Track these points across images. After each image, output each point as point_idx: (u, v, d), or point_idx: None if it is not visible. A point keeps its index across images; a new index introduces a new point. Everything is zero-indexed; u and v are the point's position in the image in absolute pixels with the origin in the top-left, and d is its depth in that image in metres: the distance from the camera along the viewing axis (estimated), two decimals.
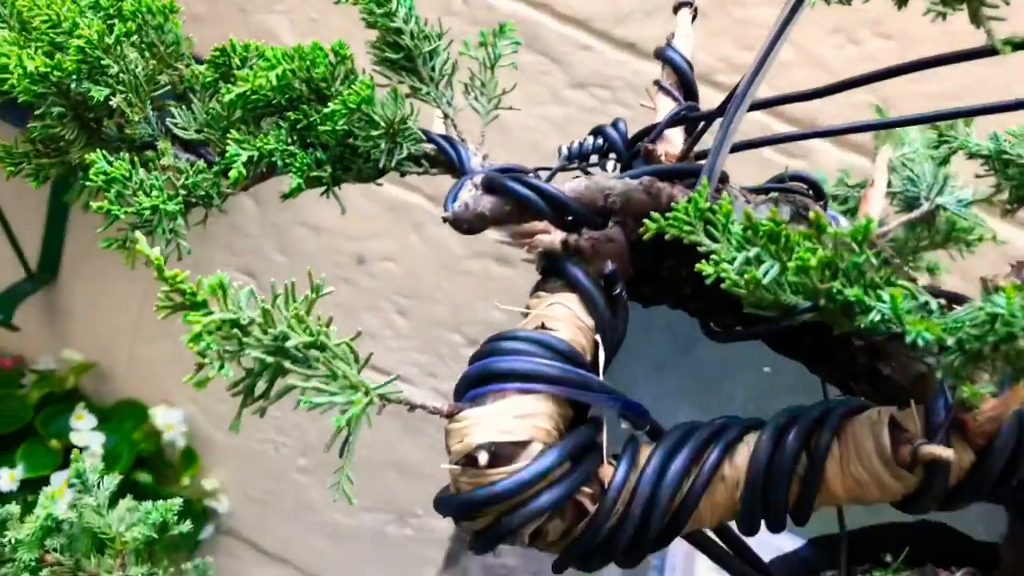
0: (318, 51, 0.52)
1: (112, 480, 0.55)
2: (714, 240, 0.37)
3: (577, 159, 0.53)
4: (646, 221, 0.40)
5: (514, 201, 0.45)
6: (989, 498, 0.47)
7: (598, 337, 0.44)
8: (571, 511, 0.40)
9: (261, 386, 0.35)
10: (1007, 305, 0.31)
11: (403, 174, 0.57)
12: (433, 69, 0.59)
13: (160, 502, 0.51)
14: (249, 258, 1.54)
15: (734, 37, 1.25)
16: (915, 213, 0.58)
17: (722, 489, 0.40)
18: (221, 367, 0.33)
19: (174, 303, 0.33)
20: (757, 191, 0.51)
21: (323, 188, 0.55)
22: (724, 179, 0.50)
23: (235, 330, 0.32)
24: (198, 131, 0.54)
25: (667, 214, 0.39)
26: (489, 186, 0.46)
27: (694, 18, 0.57)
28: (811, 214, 0.35)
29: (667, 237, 0.39)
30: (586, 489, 0.40)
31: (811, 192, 0.53)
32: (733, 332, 0.49)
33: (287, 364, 0.33)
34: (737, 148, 0.48)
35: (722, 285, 0.36)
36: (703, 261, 0.36)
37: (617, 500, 0.39)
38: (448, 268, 1.47)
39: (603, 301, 0.44)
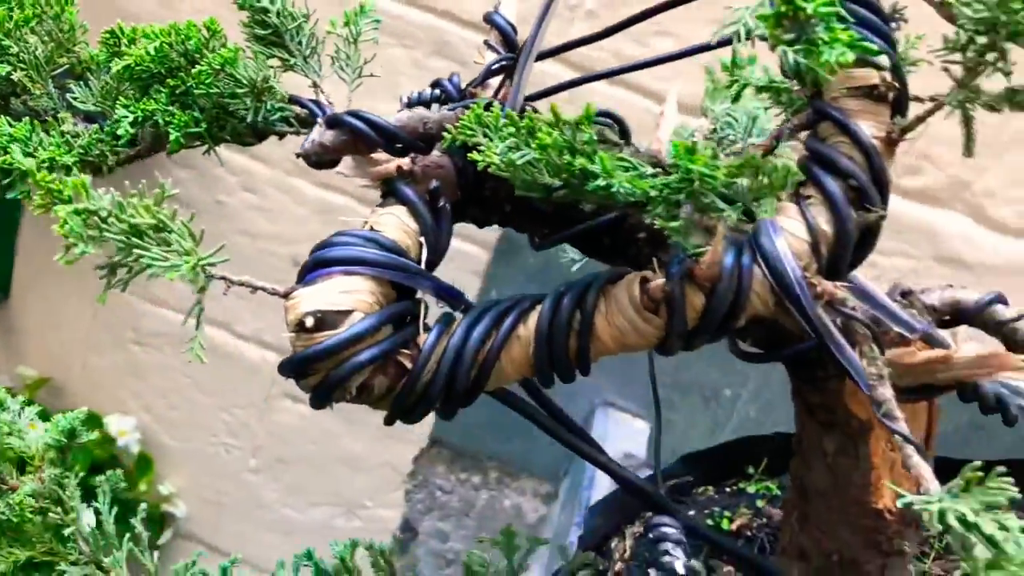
0: (192, 27, 0.62)
1: (33, 409, 0.63)
2: (489, 139, 0.47)
3: (418, 105, 0.62)
4: (447, 128, 0.49)
5: (349, 132, 0.54)
6: (780, 359, 0.56)
7: (422, 239, 0.53)
8: (393, 369, 0.48)
9: (122, 270, 0.43)
10: (700, 167, 0.41)
11: (280, 135, 0.66)
12: (300, 44, 0.68)
13: (67, 414, 0.59)
14: None
15: (625, 33, 1.36)
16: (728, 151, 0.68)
17: (518, 347, 0.49)
18: (86, 247, 0.41)
19: (46, 202, 0.42)
20: None
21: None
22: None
23: (95, 218, 0.41)
24: (95, 104, 0.63)
25: (457, 124, 0.48)
26: (331, 122, 0.56)
27: None
28: (554, 107, 0.44)
29: (457, 143, 0.48)
30: (406, 351, 0.49)
31: (616, 126, 0.62)
32: (549, 239, 0.58)
33: (137, 242, 0.42)
34: (535, 97, 0.59)
35: (490, 170, 0.45)
36: (474, 152, 0.45)
37: (429, 359, 0.48)
38: None
39: (427, 211, 0.53)
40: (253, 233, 1.58)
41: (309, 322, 0.46)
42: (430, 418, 0.50)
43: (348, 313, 0.47)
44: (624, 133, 0.62)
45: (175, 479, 1.74)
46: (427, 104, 0.63)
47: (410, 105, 0.62)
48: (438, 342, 0.49)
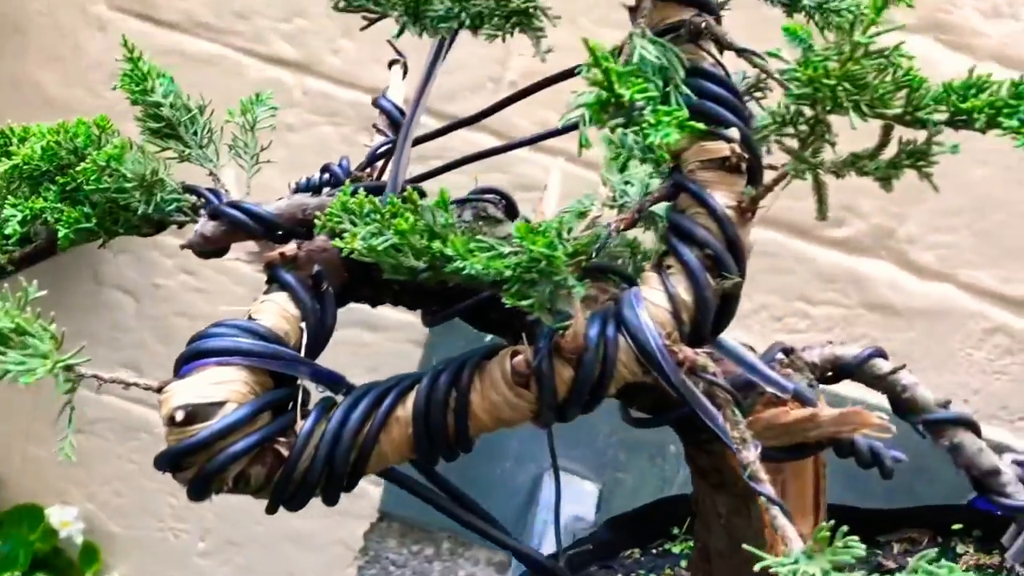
0: (81, 124, 0.63)
1: None
2: (355, 225, 0.48)
3: (307, 191, 0.63)
4: (316, 216, 0.50)
5: (230, 223, 0.55)
6: (667, 423, 0.57)
7: (303, 324, 0.53)
8: (270, 458, 0.49)
9: None
10: (540, 247, 0.42)
11: (180, 225, 0.67)
12: (195, 134, 0.69)
13: None
14: (132, 352, 1.61)
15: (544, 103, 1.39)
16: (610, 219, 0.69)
17: (397, 428, 0.50)
18: None
19: None
20: (452, 202, 0.62)
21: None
22: (421, 195, 0.60)
23: None
24: None
25: (325, 211, 0.49)
26: (213, 214, 0.56)
27: (405, 73, 0.68)
28: (410, 192, 0.46)
29: (326, 231, 0.49)
30: (283, 439, 0.49)
31: (503, 201, 0.64)
32: (439, 315, 0.59)
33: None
34: (421, 178, 0.60)
35: (353, 256, 0.46)
36: (337, 238, 0.46)
37: (307, 445, 0.49)
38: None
39: (308, 296, 0.54)
40: (192, 315, 1.57)
41: (179, 416, 0.46)
42: (378, 492, 0.50)
43: (221, 404, 0.47)
44: (511, 208, 0.63)
45: (123, 568, 1.70)
46: (317, 189, 0.64)
47: (299, 191, 0.64)
48: (315, 427, 0.49)
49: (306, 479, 0.49)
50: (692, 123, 0.40)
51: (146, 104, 0.67)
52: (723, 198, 0.49)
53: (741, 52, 0.48)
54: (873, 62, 0.42)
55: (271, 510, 0.50)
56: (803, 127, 0.43)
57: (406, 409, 0.50)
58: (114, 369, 1.74)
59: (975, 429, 0.56)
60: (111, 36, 1.46)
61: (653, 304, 0.48)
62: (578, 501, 1.48)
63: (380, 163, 0.64)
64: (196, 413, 0.47)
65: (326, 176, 0.64)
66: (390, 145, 0.63)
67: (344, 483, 0.49)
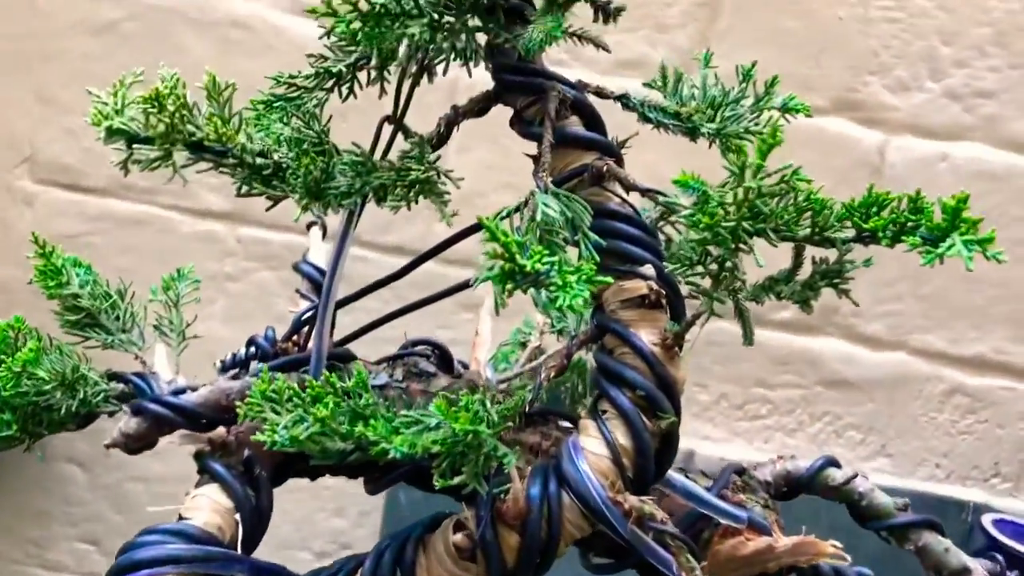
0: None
1: None
2: (277, 413, 0.46)
3: (233, 368, 0.62)
4: (237, 406, 0.48)
5: (152, 418, 0.54)
6: (628, 567, 0.55)
7: (238, 516, 0.51)
8: None
9: None
10: (464, 425, 0.41)
11: (110, 414, 0.65)
12: (118, 319, 0.67)
13: None
14: (88, 526, 1.55)
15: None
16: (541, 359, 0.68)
17: None
18: None
19: None
20: (382, 361, 0.61)
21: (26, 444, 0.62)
22: (347, 358, 0.59)
23: None
24: None
25: (251, 400, 0.48)
26: (135, 410, 0.55)
27: (324, 234, 0.68)
28: (328, 376, 0.44)
29: (248, 420, 0.48)
30: None
31: (437, 352, 0.63)
32: (380, 482, 0.58)
33: None
34: (349, 339, 0.59)
35: (275, 448, 0.44)
36: (258, 432, 0.45)
37: None
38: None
39: (240, 484, 0.52)
40: (148, 478, 1.53)
41: None
42: None
43: None
44: (446, 361, 0.62)
45: None
46: (244, 364, 0.63)
47: (224, 369, 0.62)
48: None
49: None
50: (601, 278, 0.40)
51: (63, 298, 0.65)
52: (648, 335, 0.48)
53: (645, 192, 0.49)
54: (772, 192, 0.42)
55: None
56: (712, 266, 0.42)
57: None
58: (72, 545, 1.68)
59: (938, 529, 0.55)
60: (39, 210, 1.45)
61: (593, 454, 0.47)
62: None
63: (307, 329, 0.63)
64: None
65: (252, 350, 0.63)
66: (314, 311, 0.62)
67: None
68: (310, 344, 0.62)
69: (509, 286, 0.38)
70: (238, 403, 0.48)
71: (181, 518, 0.50)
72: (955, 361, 1.43)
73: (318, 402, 0.44)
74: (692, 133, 0.55)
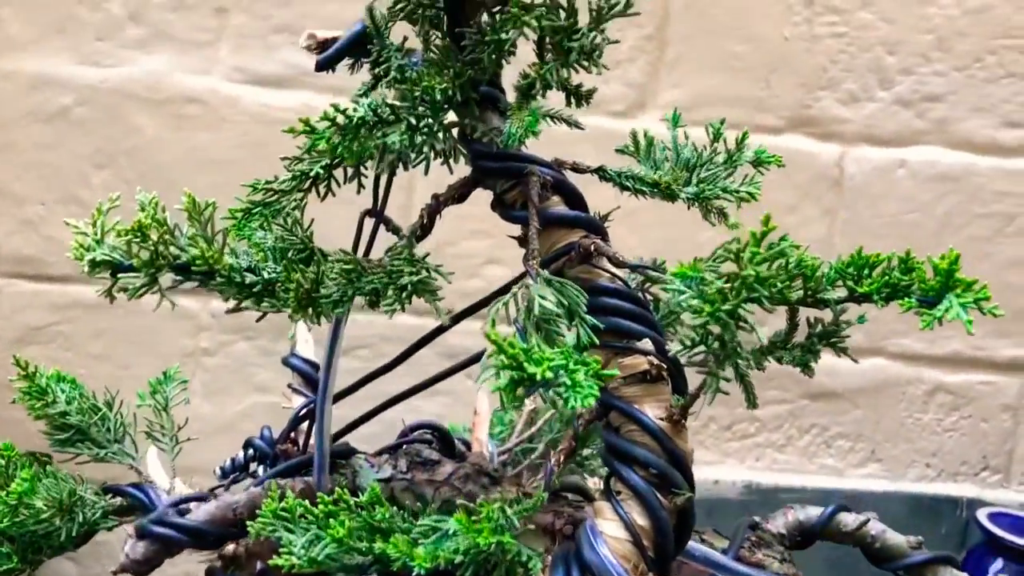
0: None
1: None
2: (291, 531, 0.46)
3: (234, 473, 0.61)
4: (249, 525, 0.48)
5: (160, 541, 0.53)
6: None
7: None
8: None
9: None
10: (488, 539, 0.41)
11: (110, 528, 0.64)
12: (108, 431, 0.66)
13: None
14: None
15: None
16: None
17: None
18: None
19: None
20: (383, 451, 0.60)
21: None
22: (348, 454, 0.59)
23: None
24: None
25: (262, 518, 0.47)
26: (140, 533, 0.54)
27: (309, 326, 0.68)
28: (340, 493, 0.44)
29: (261, 537, 0.47)
30: None
31: (436, 435, 0.62)
32: None
33: None
34: (346, 430, 0.58)
35: (293, 571, 0.44)
36: (275, 555, 0.44)
37: None
38: None
39: None
40: None
41: None
42: None
43: None
44: (447, 444, 0.62)
45: None
46: (245, 467, 0.62)
47: (225, 475, 0.61)
48: None
49: None
50: (608, 371, 0.40)
51: (50, 417, 0.64)
52: (653, 411, 0.48)
53: (635, 269, 0.49)
54: (766, 261, 0.42)
55: None
56: (715, 344, 0.43)
57: None
58: None
59: (954, 563, 0.56)
60: (4, 303, 1.43)
61: (612, 537, 0.47)
62: None
63: (305, 424, 0.62)
64: None
65: (250, 452, 0.62)
66: (311, 406, 0.61)
67: None
68: (311, 442, 0.61)
69: (518, 393, 0.38)
70: (250, 524, 0.48)
71: None
72: (933, 361, 1.45)
73: (332, 518, 0.44)
74: (671, 198, 0.55)
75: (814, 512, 0.58)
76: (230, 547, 0.54)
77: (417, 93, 0.45)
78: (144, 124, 1.38)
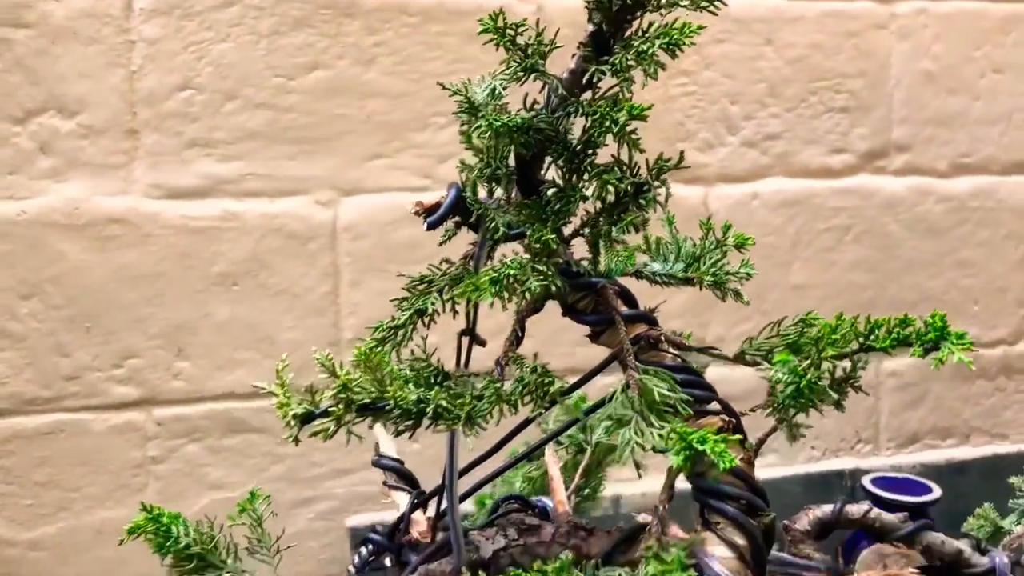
0: None
1: None
2: None
3: (363, 569, 0.71)
4: None
5: None
6: None
7: None
8: None
9: None
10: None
11: None
12: (223, 553, 0.75)
13: None
14: None
15: None
16: None
17: None
18: None
19: None
20: (485, 526, 0.72)
21: None
22: (464, 534, 0.71)
23: None
24: None
25: None
26: None
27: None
28: None
29: None
30: None
31: (521, 504, 0.75)
32: None
33: None
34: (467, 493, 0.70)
35: None
36: None
37: None
38: None
39: None
40: None
41: None
42: None
43: None
44: (536, 509, 0.75)
45: None
46: (367, 563, 0.73)
47: (359, 571, 0.72)
48: None
49: None
50: (734, 437, 0.55)
51: (177, 551, 0.72)
52: (735, 454, 0.63)
53: (700, 351, 0.64)
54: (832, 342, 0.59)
55: None
56: (791, 410, 0.59)
57: None
58: None
59: (932, 527, 0.74)
60: None
61: (722, 557, 0.61)
62: None
63: (410, 513, 0.73)
64: None
65: (368, 548, 0.72)
66: (418, 497, 0.72)
67: None
68: (418, 529, 0.72)
69: (687, 465, 0.53)
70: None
71: None
72: None
73: None
74: (696, 285, 0.71)
75: (827, 508, 0.75)
76: None
77: (534, 245, 0.59)
78: (67, 249, 1.41)
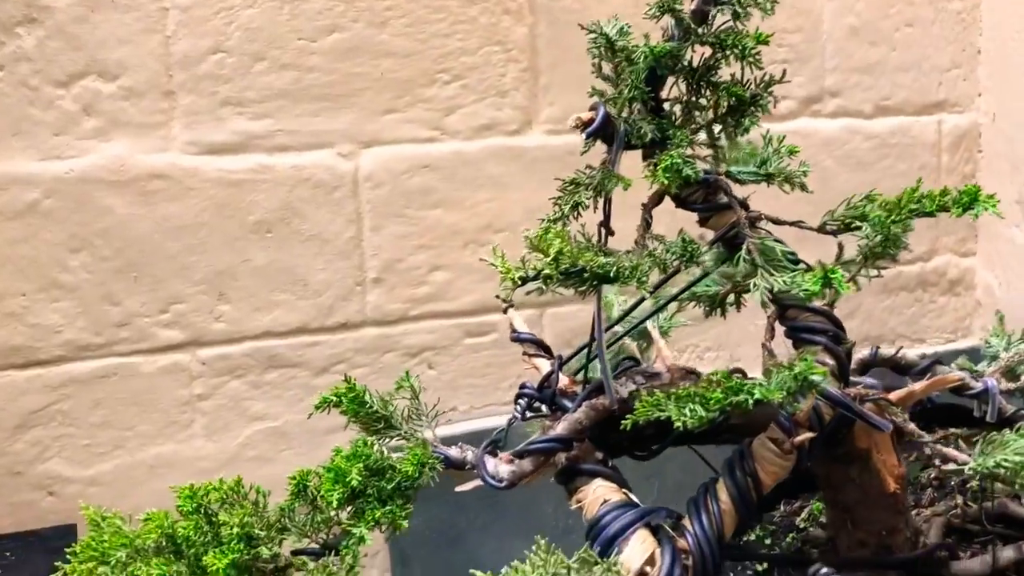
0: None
1: None
2: (662, 409, 0.77)
3: (529, 411, 0.89)
4: (636, 407, 0.77)
5: (542, 453, 0.81)
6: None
7: (626, 493, 0.81)
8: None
9: None
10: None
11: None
12: (398, 415, 0.91)
13: None
14: None
15: None
16: None
17: (728, 516, 0.79)
18: None
19: None
20: (619, 376, 0.91)
21: None
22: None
23: None
24: None
25: (644, 404, 0.77)
26: (519, 454, 0.82)
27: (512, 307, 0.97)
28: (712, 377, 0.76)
29: (641, 421, 0.78)
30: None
31: (635, 363, 0.94)
32: (653, 451, 0.89)
33: None
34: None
35: (687, 427, 0.75)
36: (679, 410, 0.75)
37: (700, 550, 0.77)
38: None
39: (609, 469, 0.82)
40: None
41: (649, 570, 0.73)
42: None
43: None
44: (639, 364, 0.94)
45: None
46: (525, 412, 0.91)
47: (524, 417, 0.89)
48: (705, 533, 0.77)
49: (707, 570, 0.77)
50: (834, 274, 0.76)
51: (367, 415, 0.89)
52: (817, 302, 0.85)
53: (792, 224, 0.85)
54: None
55: None
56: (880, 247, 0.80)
57: (725, 499, 0.80)
58: None
59: (942, 363, 0.98)
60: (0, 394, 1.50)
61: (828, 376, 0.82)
62: None
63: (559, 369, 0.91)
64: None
65: (524, 401, 0.90)
66: (559, 357, 0.91)
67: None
68: (561, 384, 0.91)
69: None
70: (629, 415, 0.78)
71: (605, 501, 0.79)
72: None
73: (702, 393, 0.76)
74: (772, 182, 0.92)
75: (865, 352, 0.97)
76: (561, 455, 0.83)
77: (678, 145, 0.78)
78: (113, 204, 1.51)
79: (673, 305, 1.04)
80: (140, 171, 1.52)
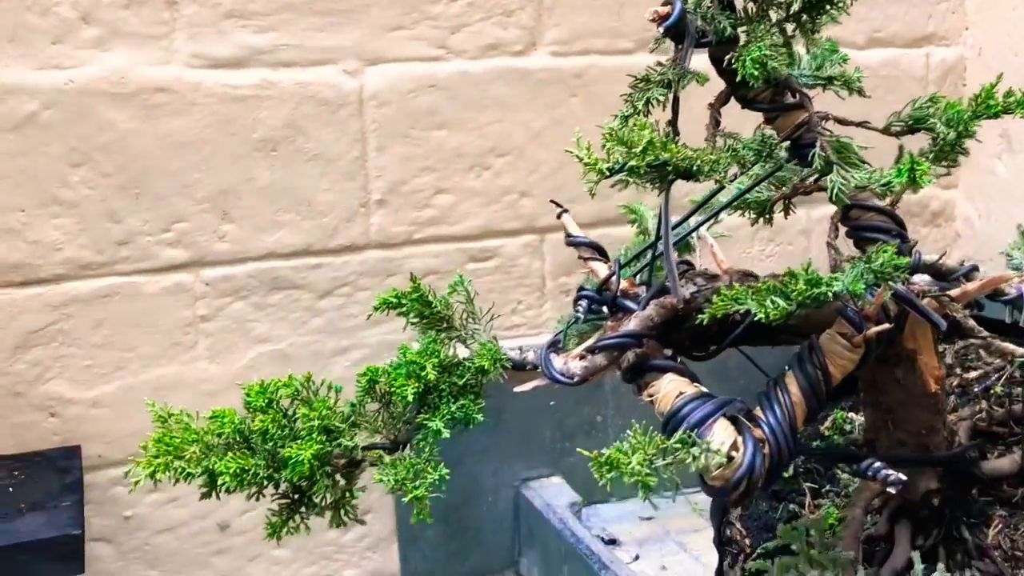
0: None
1: None
2: (744, 303, 0.78)
3: (589, 312, 0.89)
4: (715, 301, 0.78)
5: (616, 348, 0.82)
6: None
7: (698, 386, 0.82)
8: (760, 460, 0.78)
9: None
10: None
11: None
12: (460, 318, 0.91)
13: None
14: None
15: None
16: None
17: (799, 408, 0.81)
18: None
19: None
20: (681, 276, 0.92)
21: None
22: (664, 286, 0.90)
23: None
24: None
25: (723, 298, 0.78)
26: (591, 350, 0.82)
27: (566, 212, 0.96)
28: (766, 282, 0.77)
29: (719, 315, 0.78)
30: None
31: (689, 265, 0.95)
32: (716, 350, 0.90)
33: None
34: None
35: (763, 320, 0.76)
36: (759, 303, 0.76)
37: (776, 441, 0.79)
38: None
39: (680, 363, 0.83)
40: (171, 527, 1.61)
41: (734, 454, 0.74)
42: None
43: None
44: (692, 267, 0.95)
45: None
46: (591, 308, 0.91)
47: (585, 320, 0.90)
48: (780, 422, 0.79)
49: (781, 459, 0.79)
50: (921, 166, 0.77)
51: (432, 314, 0.88)
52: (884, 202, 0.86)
53: (857, 124, 0.86)
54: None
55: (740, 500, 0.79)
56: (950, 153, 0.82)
57: (795, 391, 0.82)
58: None
59: (977, 269, 1.00)
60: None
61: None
62: (563, 494, 1.79)
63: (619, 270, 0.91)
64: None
65: (584, 303, 0.91)
66: (616, 262, 0.91)
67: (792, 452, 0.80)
68: (619, 283, 0.91)
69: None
70: (706, 309, 0.79)
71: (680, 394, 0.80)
72: None
73: (794, 285, 0.77)
74: (831, 85, 0.92)
75: (912, 257, 1.00)
76: (629, 354, 0.84)
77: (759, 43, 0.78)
78: (115, 118, 1.46)
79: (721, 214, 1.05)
80: (142, 84, 1.47)
